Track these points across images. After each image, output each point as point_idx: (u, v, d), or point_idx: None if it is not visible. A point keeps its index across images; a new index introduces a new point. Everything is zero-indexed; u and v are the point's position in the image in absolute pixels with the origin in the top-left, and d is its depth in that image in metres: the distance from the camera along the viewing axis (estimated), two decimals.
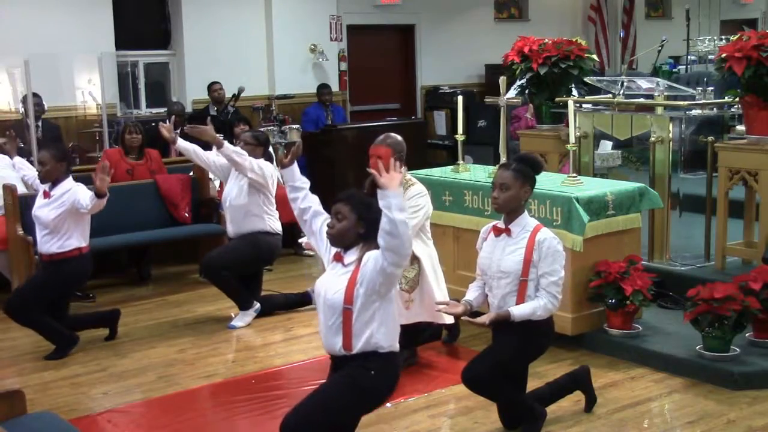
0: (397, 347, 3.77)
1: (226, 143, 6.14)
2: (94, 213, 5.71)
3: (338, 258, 3.70)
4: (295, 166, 4.16)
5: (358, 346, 3.63)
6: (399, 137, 5.31)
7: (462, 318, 4.31)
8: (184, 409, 4.97)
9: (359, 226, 3.62)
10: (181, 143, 6.51)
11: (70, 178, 5.77)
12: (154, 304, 7.09)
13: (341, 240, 3.66)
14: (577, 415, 4.66)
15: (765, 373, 5.00)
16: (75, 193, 5.65)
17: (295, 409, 3.69)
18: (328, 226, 3.68)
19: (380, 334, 3.65)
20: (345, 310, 3.60)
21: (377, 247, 3.53)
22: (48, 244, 5.72)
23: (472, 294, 4.40)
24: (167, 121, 6.62)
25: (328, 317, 3.67)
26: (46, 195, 5.74)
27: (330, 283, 3.68)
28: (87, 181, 7.53)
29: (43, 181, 5.79)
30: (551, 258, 4.20)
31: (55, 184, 5.73)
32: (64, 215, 5.65)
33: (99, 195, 5.51)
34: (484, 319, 4.18)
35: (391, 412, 4.76)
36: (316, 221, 4.00)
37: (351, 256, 3.66)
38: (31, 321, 5.80)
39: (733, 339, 5.09)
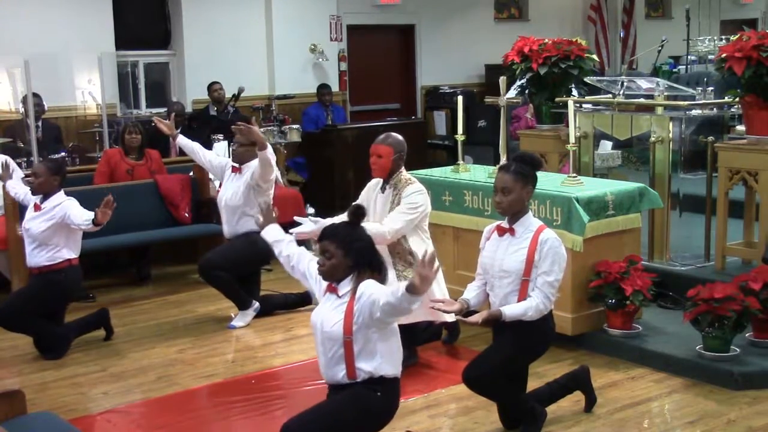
0: (400, 373, 3.79)
1: (269, 146, 6.11)
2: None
3: (332, 289, 3.72)
4: (274, 224, 4.18)
5: (362, 375, 3.65)
6: (400, 137, 5.32)
7: (455, 316, 4.31)
8: (184, 409, 4.97)
9: (348, 260, 3.65)
10: (182, 140, 6.61)
11: (62, 192, 5.77)
12: (154, 304, 7.09)
13: (333, 275, 3.69)
14: (577, 415, 4.66)
15: (765, 373, 4.99)
16: (67, 207, 5.65)
17: (298, 416, 3.70)
18: (318, 264, 3.70)
19: (385, 362, 3.67)
20: (346, 341, 3.62)
21: (370, 275, 3.62)
22: (37, 257, 5.72)
23: (470, 293, 4.40)
24: (168, 117, 6.65)
25: (328, 348, 3.68)
26: (37, 208, 5.74)
27: (327, 315, 3.69)
28: (87, 181, 7.62)
29: (35, 192, 5.79)
30: (551, 259, 4.20)
31: (46, 197, 5.73)
32: (54, 228, 5.65)
33: (96, 223, 5.52)
34: (476, 318, 4.18)
35: None
36: (302, 263, 3.99)
37: (345, 287, 3.68)
38: (22, 328, 5.82)
39: (733, 339, 5.09)
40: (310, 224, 5.03)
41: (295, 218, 5.17)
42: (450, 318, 5.30)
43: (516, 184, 4.21)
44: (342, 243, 3.63)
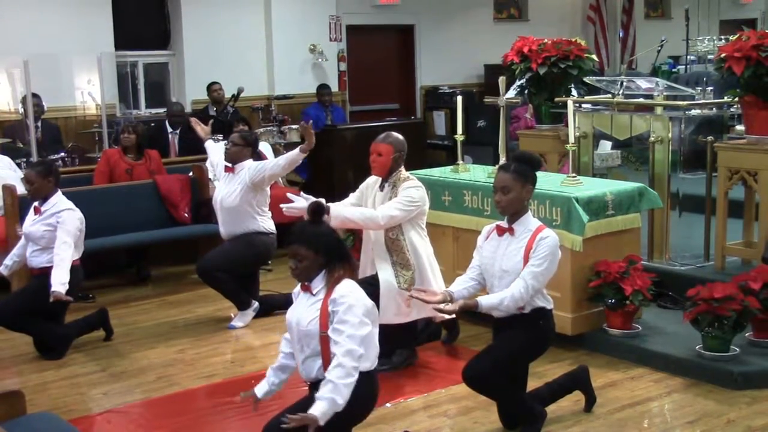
0: (375, 365, 3.77)
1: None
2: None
3: (305, 288, 3.76)
4: (257, 390, 4.02)
5: None
6: (401, 136, 5.32)
7: (432, 306, 4.27)
8: (183, 409, 4.97)
9: (320, 258, 3.70)
10: (210, 143, 6.86)
11: (59, 193, 5.79)
12: (154, 304, 7.09)
13: (307, 276, 3.73)
14: (577, 415, 4.66)
15: (765, 373, 5.00)
16: (63, 221, 5.64)
17: (280, 415, 3.70)
18: (291, 267, 3.75)
19: (362, 359, 3.65)
20: (322, 337, 3.64)
21: (341, 269, 3.67)
22: (39, 258, 5.74)
23: (456, 286, 4.36)
24: (204, 122, 7.08)
25: (305, 345, 3.71)
26: (37, 211, 5.76)
27: (303, 314, 3.73)
28: (86, 181, 7.62)
29: (33, 199, 5.81)
30: (544, 253, 4.17)
31: (45, 199, 5.75)
32: (53, 232, 5.66)
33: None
34: (452, 307, 4.17)
35: (391, 412, 4.76)
36: (282, 347, 4.00)
37: (318, 285, 3.72)
38: (22, 328, 5.82)
39: (733, 339, 5.09)
40: (303, 201, 5.07)
41: (288, 194, 5.20)
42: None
43: (515, 183, 4.21)
44: (311, 243, 3.68)
